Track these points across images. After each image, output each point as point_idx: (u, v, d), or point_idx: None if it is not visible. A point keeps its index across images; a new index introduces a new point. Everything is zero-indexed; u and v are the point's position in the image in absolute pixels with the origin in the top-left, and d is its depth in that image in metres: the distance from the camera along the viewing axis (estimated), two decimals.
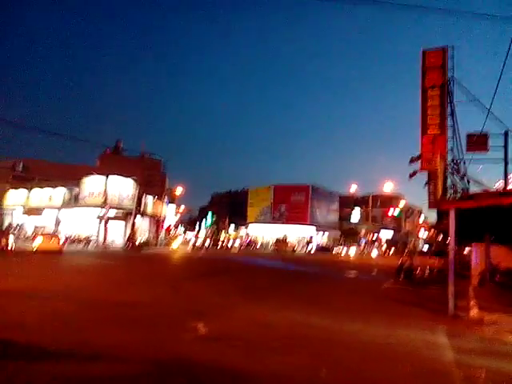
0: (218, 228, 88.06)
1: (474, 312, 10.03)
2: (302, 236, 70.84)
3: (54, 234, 30.90)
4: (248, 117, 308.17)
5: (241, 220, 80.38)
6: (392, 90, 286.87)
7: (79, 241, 37.90)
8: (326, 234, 72.50)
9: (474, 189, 18.56)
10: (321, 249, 56.61)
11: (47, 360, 5.26)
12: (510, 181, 19.37)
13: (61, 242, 27.19)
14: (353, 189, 60.39)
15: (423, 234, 77.85)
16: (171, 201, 55.48)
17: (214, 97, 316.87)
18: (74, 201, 44.61)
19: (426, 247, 67.71)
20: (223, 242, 60.44)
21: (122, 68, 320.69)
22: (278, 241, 63.12)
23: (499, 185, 20.07)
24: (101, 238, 38.28)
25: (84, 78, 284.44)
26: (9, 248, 24.50)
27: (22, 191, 48.23)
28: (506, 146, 18.85)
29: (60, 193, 45.80)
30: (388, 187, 55.07)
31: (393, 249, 70.94)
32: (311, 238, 68.02)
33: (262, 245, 65.08)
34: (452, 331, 8.30)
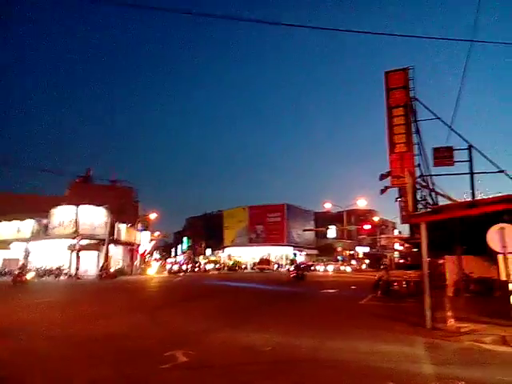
0: (194, 252, 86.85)
1: (451, 323, 10.19)
2: (280, 255, 70.79)
3: None
4: (219, 139, 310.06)
5: (217, 243, 79.65)
6: (362, 108, 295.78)
7: (50, 272, 36.70)
8: (304, 252, 72.72)
9: (442, 202, 19.13)
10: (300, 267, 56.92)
11: None
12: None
13: None
14: (327, 206, 61.10)
15: (398, 247, 79.16)
16: (145, 227, 54.51)
17: (184, 122, 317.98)
18: (43, 232, 43.26)
19: (401, 261, 68.83)
20: (200, 266, 59.72)
21: (90, 96, 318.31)
22: (260, 261, 63.20)
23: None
24: (73, 269, 37.08)
25: (52, 107, 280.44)
26: None
27: None
28: (470, 160, 19.62)
29: (28, 225, 44.37)
30: (362, 203, 56.10)
31: (367, 262, 71.71)
32: (295, 256, 68.25)
33: (242, 267, 64.92)
34: (430, 343, 8.39)
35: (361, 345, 8.24)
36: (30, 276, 28.53)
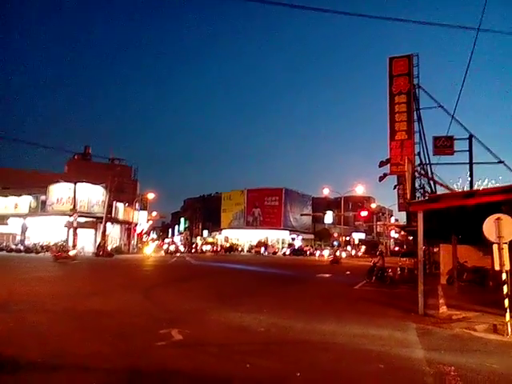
0: (191, 233, 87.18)
1: (443, 310, 10.34)
2: (276, 239, 71.25)
3: None
4: (220, 121, 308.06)
5: (214, 225, 79.86)
6: (364, 94, 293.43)
7: (48, 248, 36.84)
8: (300, 237, 73.06)
9: (441, 191, 19.15)
10: (296, 251, 57.66)
11: (13, 371, 5.04)
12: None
13: None
14: (325, 191, 61.10)
15: (394, 235, 79.59)
16: (143, 207, 54.57)
17: (184, 102, 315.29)
18: (40, 208, 43.29)
19: (396, 248, 69.29)
20: (197, 247, 60.07)
21: (90, 73, 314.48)
22: (258, 244, 63.68)
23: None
24: (70, 246, 37.21)
25: (51, 83, 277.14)
26: None
27: None
28: (470, 150, 19.57)
29: (26, 200, 44.35)
30: (359, 190, 56.13)
31: (363, 248, 72.35)
32: (294, 240, 68.65)
33: (240, 249, 65.45)
34: (422, 329, 8.51)
35: (353, 329, 8.36)
36: (72, 253, 28.71)
